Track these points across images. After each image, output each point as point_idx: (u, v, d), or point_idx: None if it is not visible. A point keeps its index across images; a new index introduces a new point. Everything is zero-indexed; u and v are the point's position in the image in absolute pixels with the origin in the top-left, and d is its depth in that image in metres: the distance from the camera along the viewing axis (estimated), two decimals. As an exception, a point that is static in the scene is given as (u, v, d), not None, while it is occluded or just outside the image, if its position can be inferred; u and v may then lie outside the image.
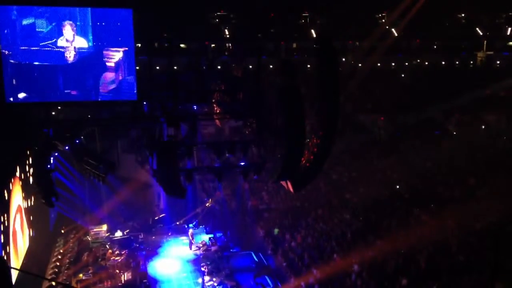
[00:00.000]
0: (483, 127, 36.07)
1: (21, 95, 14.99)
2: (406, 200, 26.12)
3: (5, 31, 14.30)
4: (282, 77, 14.59)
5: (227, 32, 34.53)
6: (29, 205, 22.34)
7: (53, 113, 19.62)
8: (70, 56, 15.01)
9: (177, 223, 29.33)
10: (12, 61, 14.52)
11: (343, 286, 19.17)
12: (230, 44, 34.31)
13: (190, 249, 26.38)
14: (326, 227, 24.26)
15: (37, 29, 14.55)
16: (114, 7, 15.23)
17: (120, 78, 15.65)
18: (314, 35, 35.17)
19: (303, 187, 17.33)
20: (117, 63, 15.54)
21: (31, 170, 21.63)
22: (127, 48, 15.50)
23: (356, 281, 19.03)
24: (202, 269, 23.12)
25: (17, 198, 19.60)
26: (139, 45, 20.32)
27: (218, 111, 19.35)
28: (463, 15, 38.81)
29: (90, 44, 15.14)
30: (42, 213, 24.66)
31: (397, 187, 28.27)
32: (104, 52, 15.40)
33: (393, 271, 19.29)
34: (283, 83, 14.42)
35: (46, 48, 14.76)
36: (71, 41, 14.87)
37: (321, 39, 15.47)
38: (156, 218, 29.78)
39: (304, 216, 25.85)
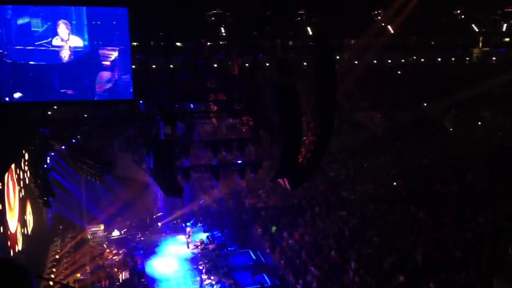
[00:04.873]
0: (479, 123, 36.14)
1: (17, 95, 14.93)
2: (403, 196, 26.15)
3: (0, 30, 14.24)
4: (278, 75, 14.60)
5: (223, 31, 34.51)
6: (28, 212, 22.36)
7: (49, 112, 19.56)
8: (65, 55, 14.95)
9: (175, 222, 29.36)
10: (7, 60, 14.46)
11: (340, 283, 19.21)
12: (226, 42, 34.27)
13: (188, 247, 26.41)
14: (323, 224, 24.29)
15: (32, 29, 14.48)
16: (110, 6, 15.18)
17: (116, 77, 15.60)
18: (310, 33, 35.16)
19: (300, 185, 17.37)
20: (113, 62, 15.48)
21: (28, 171, 21.62)
22: (123, 47, 15.44)
23: (354, 278, 19.07)
24: (200, 267, 23.17)
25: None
26: (135, 44, 20.30)
27: (214, 109, 19.36)
28: (458, 11, 38.86)
29: (86, 43, 15.08)
30: (39, 213, 24.63)
31: (394, 184, 28.32)
32: (100, 51, 15.35)
33: (390, 268, 19.32)
34: (279, 81, 14.43)
35: (42, 48, 14.70)
36: (66, 40, 14.82)
37: (317, 37, 15.49)
38: (153, 217, 29.80)
39: (302, 213, 25.87)
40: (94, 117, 19.44)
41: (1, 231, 17.35)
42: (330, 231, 23.34)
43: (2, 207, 17.78)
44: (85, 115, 19.79)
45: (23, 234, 21.02)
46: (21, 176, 21.49)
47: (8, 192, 18.85)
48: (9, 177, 19.32)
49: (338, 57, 34.79)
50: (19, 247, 19.92)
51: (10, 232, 18.88)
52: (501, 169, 25.77)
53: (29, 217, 22.77)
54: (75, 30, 14.89)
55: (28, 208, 22.46)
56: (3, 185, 17.84)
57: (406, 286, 18.14)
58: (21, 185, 21.34)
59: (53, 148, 20.44)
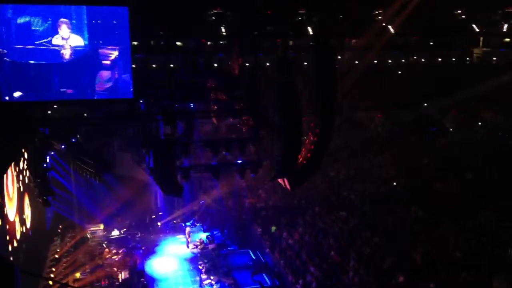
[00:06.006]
0: (480, 123, 36.15)
1: (17, 94, 14.89)
2: (403, 196, 26.14)
3: (0, 30, 14.21)
4: (279, 75, 14.57)
5: (223, 30, 34.48)
6: (25, 205, 22.33)
7: (49, 112, 19.54)
8: (66, 54, 14.92)
9: (174, 221, 29.36)
10: (7, 59, 14.43)
11: (340, 283, 19.20)
12: (226, 42, 34.23)
13: (188, 247, 26.41)
14: (323, 224, 24.27)
15: (32, 28, 14.45)
16: (110, 5, 15.14)
17: (116, 76, 15.56)
18: (311, 33, 35.12)
19: (300, 185, 17.34)
20: (113, 61, 15.43)
21: (27, 170, 21.61)
22: (123, 46, 15.39)
23: (354, 278, 19.06)
24: (200, 267, 23.18)
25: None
26: (136, 43, 20.23)
27: (215, 108, 19.33)
28: (459, 11, 38.82)
29: (86, 42, 15.04)
30: (38, 212, 24.61)
31: (394, 184, 28.31)
32: (100, 50, 15.30)
33: (390, 268, 19.31)
34: (280, 81, 14.41)
35: (42, 47, 14.65)
36: (66, 39, 14.79)
37: (318, 37, 15.48)
38: (153, 216, 29.80)
39: (302, 213, 25.87)
40: (94, 116, 19.39)
41: (0, 223, 17.46)
42: (330, 231, 23.34)
43: (2, 199, 17.83)
44: (85, 115, 19.74)
45: (21, 229, 21.08)
46: (21, 169, 21.52)
47: (7, 182, 18.94)
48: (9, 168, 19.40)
49: (338, 57, 34.76)
50: (17, 237, 19.99)
51: (9, 222, 18.98)
52: (501, 169, 25.88)
53: (28, 210, 22.74)
54: (75, 29, 14.85)
55: (26, 200, 22.48)
56: (2, 177, 17.90)
57: (406, 286, 18.14)
58: (20, 178, 21.39)
59: (53, 148, 20.42)
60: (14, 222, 19.76)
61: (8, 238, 18.49)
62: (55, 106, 18.99)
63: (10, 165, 19.15)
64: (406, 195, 26.25)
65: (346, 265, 20.04)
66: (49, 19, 14.55)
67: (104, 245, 25.93)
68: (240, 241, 26.65)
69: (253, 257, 24.72)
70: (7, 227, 18.59)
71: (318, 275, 19.74)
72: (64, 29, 14.75)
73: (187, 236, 26.88)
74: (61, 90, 15.31)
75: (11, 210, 19.39)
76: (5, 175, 18.41)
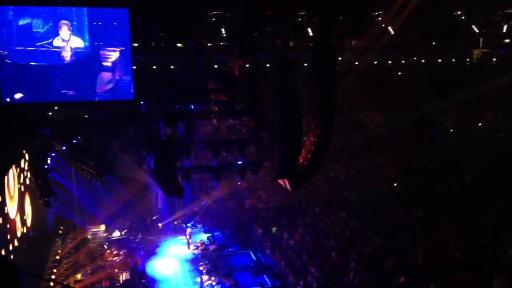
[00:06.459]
0: (480, 124, 36.17)
1: (18, 96, 14.95)
2: (404, 197, 26.17)
3: (2, 31, 14.27)
4: (279, 76, 14.62)
5: (223, 31, 34.50)
6: (26, 204, 22.36)
7: (50, 113, 19.62)
8: (67, 56, 14.98)
9: (175, 222, 29.37)
10: (8, 61, 14.49)
11: (341, 283, 19.22)
12: (226, 43, 34.27)
13: (188, 248, 26.42)
14: (323, 225, 24.29)
15: (33, 30, 14.52)
16: (110, 6, 15.21)
17: (117, 77, 15.63)
18: (311, 34, 35.15)
19: (301, 186, 17.39)
20: (114, 63, 15.51)
21: (28, 171, 21.64)
22: (123, 48, 15.47)
23: (354, 279, 19.08)
24: (200, 268, 23.19)
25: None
26: (136, 44, 20.29)
27: (215, 109, 19.38)
28: (459, 12, 38.84)
29: (87, 44, 15.11)
30: (39, 213, 24.65)
31: (395, 184, 28.32)
32: (101, 52, 15.38)
33: (391, 268, 19.33)
34: (280, 82, 14.46)
35: (43, 48, 14.72)
36: (67, 41, 14.85)
37: (318, 38, 15.54)
38: (154, 217, 29.81)
39: (302, 214, 25.88)
40: (94, 118, 19.47)
41: (1, 222, 17.50)
42: (331, 232, 23.35)
43: (3, 198, 17.86)
44: (86, 116, 19.80)
45: (22, 229, 21.11)
46: (22, 170, 21.55)
47: (8, 181, 18.99)
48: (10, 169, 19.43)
49: (339, 58, 34.75)
50: (18, 236, 20.03)
51: (10, 220, 19.01)
52: (501, 170, 25.89)
53: (29, 211, 22.76)
54: (76, 31, 14.92)
55: (27, 200, 22.51)
56: (3, 178, 17.93)
57: (407, 287, 18.16)
58: (21, 179, 21.41)
59: (54, 149, 20.47)
60: (14, 220, 19.78)
61: (9, 237, 18.51)
62: (56, 108, 19.08)
63: (11, 166, 19.21)
64: (406, 195, 26.26)
65: (346, 266, 20.05)
66: (50, 21, 14.64)
67: (105, 246, 25.95)
68: (241, 242, 26.66)
69: (254, 258, 24.73)
70: (8, 225, 18.62)
71: (319, 276, 19.75)
72: (64, 31, 14.82)
73: (188, 237, 26.89)
74: (62, 91, 15.39)
75: (12, 209, 19.43)
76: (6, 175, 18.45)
